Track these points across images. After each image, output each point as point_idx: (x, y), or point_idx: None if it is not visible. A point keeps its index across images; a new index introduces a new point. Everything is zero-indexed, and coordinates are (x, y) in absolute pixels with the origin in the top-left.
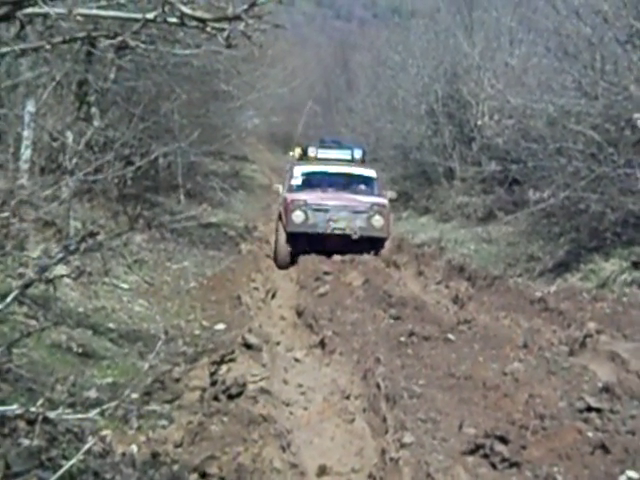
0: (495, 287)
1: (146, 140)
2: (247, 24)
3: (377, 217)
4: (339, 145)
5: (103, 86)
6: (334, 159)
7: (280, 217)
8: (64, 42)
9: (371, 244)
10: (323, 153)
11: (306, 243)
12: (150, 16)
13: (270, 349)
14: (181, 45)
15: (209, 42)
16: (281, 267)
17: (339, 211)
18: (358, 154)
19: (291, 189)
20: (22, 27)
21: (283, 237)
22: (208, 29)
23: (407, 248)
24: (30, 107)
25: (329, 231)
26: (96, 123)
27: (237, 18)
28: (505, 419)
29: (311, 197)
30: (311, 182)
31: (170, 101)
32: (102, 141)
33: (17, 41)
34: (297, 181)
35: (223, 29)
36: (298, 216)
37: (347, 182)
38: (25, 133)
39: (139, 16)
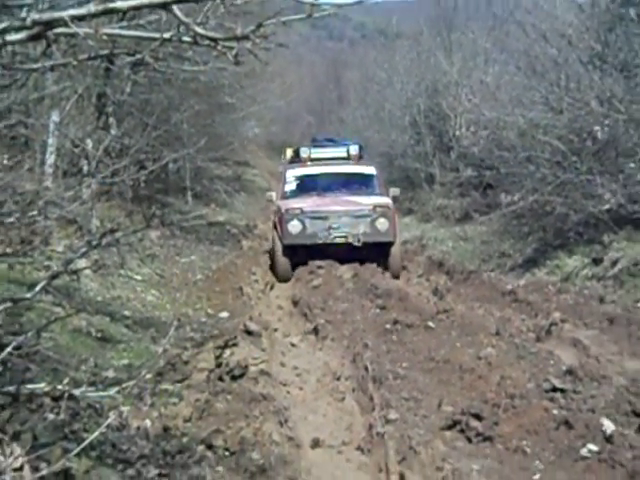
0: (471, 280)
1: (158, 147)
2: (254, 43)
3: (381, 220)
4: (333, 143)
5: (120, 98)
6: (329, 158)
7: (275, 227)
8: (89, 59)
9: (377, 250)
10: (317, 153)
11: (306, 255)
12: (167, 35)
13: (269, 335)
14: (190, 62)
15: (216, 59)
16: (282, 281)
17: (339, 217)
18: (354, 150)
19: (285, 196)
20: (48, 45)
21: (280, 249)
22: (219, 47)
23: None
24: (54, 117)
25: (330, 240)
26: (113, 131)
27: (245, 38)
28: (479, 398)
29: (308, 204)
30: (306, 186)
31: (180, 112)
32: (118, 148)
33: (44, 58)
34: (291, 186)
35: (232, 47)
36: (295, 226)
37: (345, 182)
38: (50, 140)
39: (157, 35)
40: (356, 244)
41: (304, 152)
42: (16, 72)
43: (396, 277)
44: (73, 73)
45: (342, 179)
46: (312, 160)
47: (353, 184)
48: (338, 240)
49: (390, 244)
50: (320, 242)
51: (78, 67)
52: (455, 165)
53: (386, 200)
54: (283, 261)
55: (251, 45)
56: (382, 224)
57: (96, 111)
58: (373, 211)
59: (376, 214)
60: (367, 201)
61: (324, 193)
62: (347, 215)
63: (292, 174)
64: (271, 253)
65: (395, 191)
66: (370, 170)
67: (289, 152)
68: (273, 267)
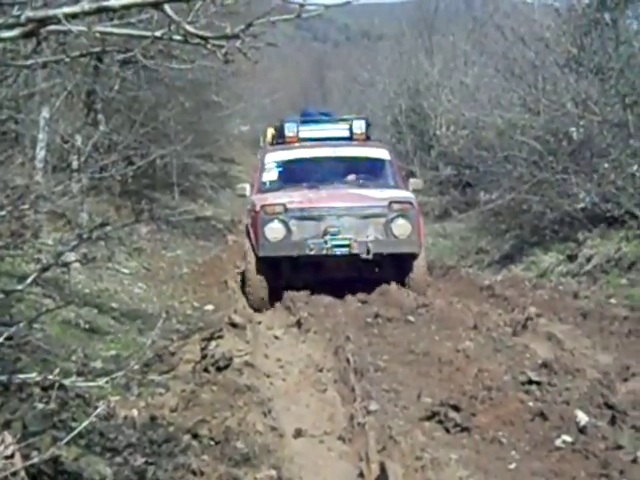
0: (449, 276)
1: (146, 143)
2: (244, 42)
3: (400, 221)
4: (329, 118)
5: (108, 95)
6: (325, 138)
7: (248, 233)
8: (81, 56)
9: (393, 266)
10: (308, 130)
11: (290, 272)
12: (158, 34)
13: (253, 328)
14: (177, 60)
15: (202, 57)
16: (256, 309)
17: (339, 217)
18: (359, 127)
19: (263, 188)
20: (39, 43)
21: (254, 265)
22: (209, 46)
23: None
24: (45, 113)
25: (326, 251)
26: (102, 128)
27: (235, 36)
28: (457, 390)
29: (294, 199)
30: (293, 176)
31: (167, 109)
32: (107, 144)
33: (35, 55)
34: (271, 175)
35: (222, 46)
36: (275, 230)
37: (348, 171)
38: (40, 136)
39: (149, 34)
40: (364, 256)
41: (290, 129)
42: (7, 69)
43: (419, 293)
44: (63, 70)
45: (344, 166)
46: (301, 140)
47: (359, 173)
48: (338, 251)
49: (412, 257)
50: (312, 253)
51: (68, 64)
52: (435, 164)
53: (406, 194)
54: (256, 282)
55: (240, 44)
56: (402, 227)
57: (85, 107)
58: (389, 209)
59: (393, 213)
60: (380, 195)
61: (318, 185)
62: (350, 214)
63: (273, 159)
64: (243, 270)
65: (417, 183)
66: (382, 154)
67: (270, 132)
68: (244, 289)
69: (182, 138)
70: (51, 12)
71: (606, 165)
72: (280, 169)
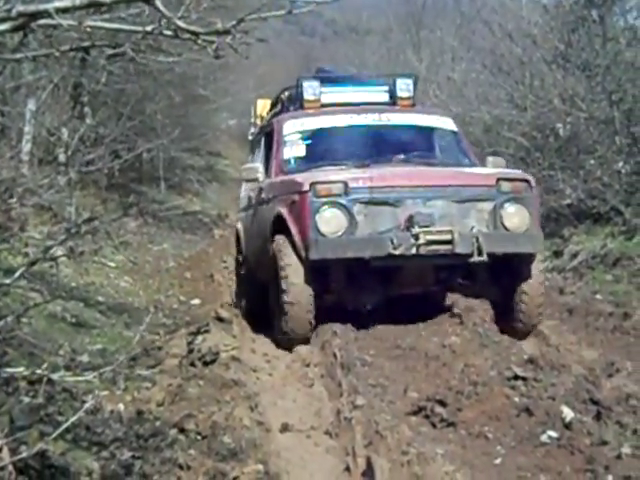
0: None
1: (132, 137)
2: (234, 38)
3: (514, 207)
4: (359, 78)
5: (95, 88)
6: (357, 104)
7: (273, 231)
8: (71, 50)
9: (503, 273)
10: (333, 93)
11: (346, 285)
12: (149, 29)
13: (239, 322)
14: (165, 54)
15: (190, 51)
16: (293, 340)
17: (427, 200)
18: (406, 89)
19: (286, 168)
20: (25, 35)
21: (297, 272)
22: (199, 41)
23: None
24: (31, 106)
25: (417, 250)
26: (88, 121)
27: (227, 32)
28: (444, 385)
29: (354, 175)
30: (327, 150)
31: (154, 103)
32: (94, 137)
33: (23, 48)
34: (296, 150)
35: (213, 42)
36: (332, 220)
37: (403, 145)
38: (26, 129)
39: (139, 29)
40: (477, 258)
41: (310, 91)
42: None
43: (525, 334)
44: (49, 63)
45: (398, 138)
46: (325, 106)
47: (419, 147)
48: (432, 249)
49: (528, 260)
50: (396, 253)
51: (55, 57)
52: None
53: (515, 172)
54: (302, 298)
55: (231, 39)
56: (516, 216)
57: (72, 100)
58: (497, 190)
59: (503, 196)
60: (479, 171)
61: (367, 162)
62: (443, 197)
63: (295, 128)
64: (257, 287)
65: (498, 162)
66: (447, 123)
67: (261, 104)
68: (276, 316)
69: (169, 132)
70: (42, 6)
71: (592, 162)
72: (309, 142)
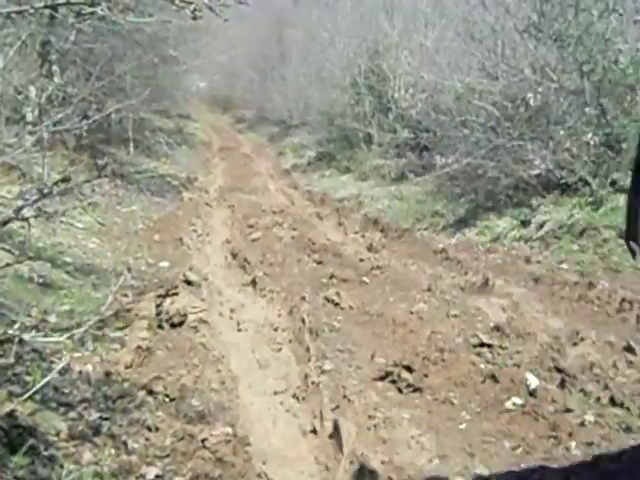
0: (404, 238)
1: (101, 97)
2: None
3: None
4: None
5: (64, 47)
6: None
7: None
8: (46, 7)
9: None
10: None
11: None
12: None
13: (208, 285)
14: (136, 13)
15: (161, 11)
16: None
17: None
18: None
19: None
20: None
21: None
22: (177, 2)
23: (329, 202)
24: None
25: None
26: (57, 80)
27: None
28: (410, 351)
29: None
30: None
31: (124, 63)
32: (61, 96)
33: None
34: None
35: (191, 3)
36: None
37: None
38: None
39: None
40: None
41: None
42: None
43: None
44: (17, 19)
45: None
46: None
47: None
48: None
49: None
50: None
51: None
52: (393, 126)
53: None
54: None
55: (210, 1)
56: None
57: (40, 58)
58: None
59: None
60: None
61: None
62: None
63: None
64: None
65: None
66: None
67: None
68: None
69: (138, 93)
70: None
71: (562, 132)
72: None
